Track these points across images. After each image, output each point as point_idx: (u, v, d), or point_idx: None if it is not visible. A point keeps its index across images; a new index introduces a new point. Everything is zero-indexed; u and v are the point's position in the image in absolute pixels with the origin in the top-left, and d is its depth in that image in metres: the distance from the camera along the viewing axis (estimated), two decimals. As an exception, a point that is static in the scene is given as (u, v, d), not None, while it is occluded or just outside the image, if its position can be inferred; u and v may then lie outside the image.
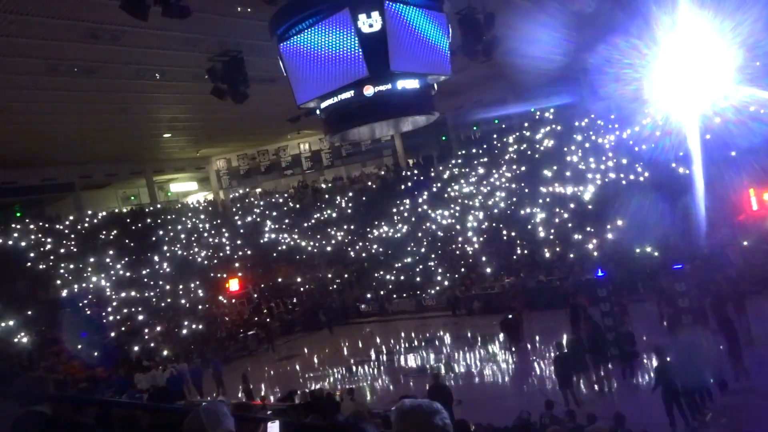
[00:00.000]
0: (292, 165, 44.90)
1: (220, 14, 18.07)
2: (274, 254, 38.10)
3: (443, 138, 43.53)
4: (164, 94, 24.81)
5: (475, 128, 43.52)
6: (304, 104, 11.69)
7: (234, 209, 43.46)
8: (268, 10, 15.17)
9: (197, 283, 32.44)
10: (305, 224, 39.96)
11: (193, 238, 37.02)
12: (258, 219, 41.32)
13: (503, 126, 40.67)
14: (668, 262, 17.99)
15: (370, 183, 43.25)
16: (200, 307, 31.22)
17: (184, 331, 28.41)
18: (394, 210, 37.88)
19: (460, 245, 32.28)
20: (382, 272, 33.59)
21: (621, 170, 29.20)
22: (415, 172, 42.15)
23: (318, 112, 11.73)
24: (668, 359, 11.35)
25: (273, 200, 43.85)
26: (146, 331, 27.61)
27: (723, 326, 12.90)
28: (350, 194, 42.31)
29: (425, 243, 34.00)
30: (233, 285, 33.26)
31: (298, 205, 42.70)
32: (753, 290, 17.12)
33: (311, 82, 11.10)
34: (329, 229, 38.82)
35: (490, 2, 15.81)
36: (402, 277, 32.32)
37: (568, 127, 35.13)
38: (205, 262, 35.49)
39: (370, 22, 10.01)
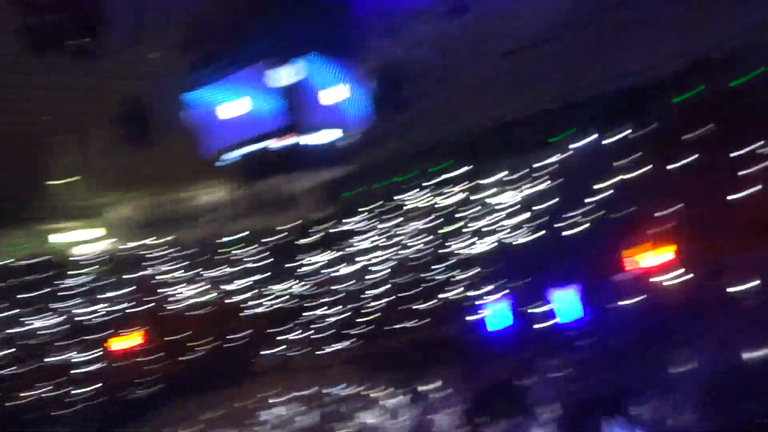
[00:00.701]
0: (201, 215, 43.61)
1: (128, 63, 17.83)
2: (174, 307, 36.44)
3: (362, 188, 43.91)
4: (66, 138, 23.74)
5: (392, 180, 44.23)
6: (218, 152, 11.68)
7: (133, 260, 41.28)
8: (181, 58, 15.17)
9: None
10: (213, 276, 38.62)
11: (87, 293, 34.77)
12: (159, 271, 39.50)
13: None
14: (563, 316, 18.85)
15: (276, 237, 42.67)
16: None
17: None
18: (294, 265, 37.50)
19: (365, 302, 32.27)
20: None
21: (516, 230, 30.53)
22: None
23: (231, 161, 11.76)
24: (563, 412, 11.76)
25: (177, 251, 42.11)
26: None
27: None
28: (256, 247, 41.48)
29: (330, 299, 33.77)
30: (130, 341, 31.32)
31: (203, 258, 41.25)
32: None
33: (225, 130, 11.16)
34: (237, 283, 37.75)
35: (406, 63, 16.64)
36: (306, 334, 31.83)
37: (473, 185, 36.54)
38: (101, 319, 33.30)
39: (287, 75, 10.28)
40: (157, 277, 38.10)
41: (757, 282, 19.88)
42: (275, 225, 44.01)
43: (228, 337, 34.55)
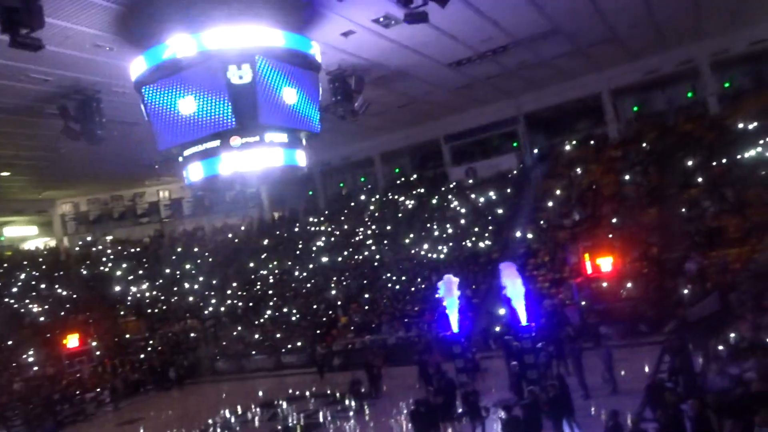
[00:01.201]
0: (149, 212, 42.61)
1: (78, 50, 16.91)
2: (122, 308, 35.44)
3: (310, 192, 43.77)
4: (5, 129, 22.61)
5: (341, 185, 44.29)
6: (167, 150, 11.28)
7: (79, 258, 39.99)
8: (133, 51, 14.64)
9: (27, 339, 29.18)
10: (159, 276, 37.77)
11: (27, 289, 33.45)
12: (107, 269, 38.37)
13: (368, 186, 41.78)
14: (515, 321, 19.12)
15: (231, 235, 42.06)
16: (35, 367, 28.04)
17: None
18: (254, 264, 37.04)
19: (322, 302, 32.10)
20: (240, 328, 32.44)
21: (474, 236, 30.96)
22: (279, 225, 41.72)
23: (181, 159, 11.38)
24: (514, 414, 11.93)
25: (125, 249, 41.03)
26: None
27: (559, 382, 13.88)
28: (211, 246, 40.82)
29: (287, 298, 33.47)
30: (71, 341, 30.17)
31: (152, 256, 40.29)
32: (588, 347, 18.65)
33: (175, 128, 10.79)
34: (185, 283, 36.97)
35: (360, 66, 16.55)
36: (257, 336, 31.40)
37: (430, 191, 36.86)
38: (41, 317, 32.02)
39: (240, 74, 10.01)
40: (107, 275, 37.12)
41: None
42: (226, 224, 43.54)
43: (177, 336, 33.86)
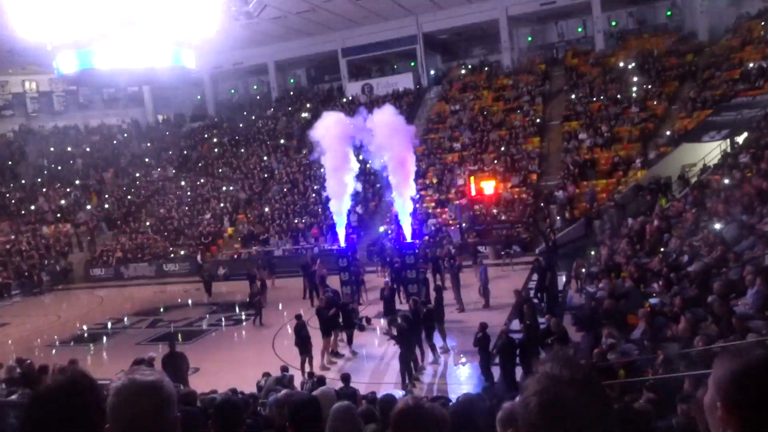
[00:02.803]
0: (14, 105, 38.58)
1: None
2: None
3: (198, 97, 41.55)
4: None
5: (233, 92, 42.35)
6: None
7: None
8: None
9: None
10: (25, 176, 34.83)
11: None
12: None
13: (260, 94, 40.28)
14: (399, 237, 19.81)
15: (110, 137, 39.36)
16: None
17: None
18: (135, 169, 35.11)
19: (209, 212, 31.28)
20: (115, 232, 31.06)
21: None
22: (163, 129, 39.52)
23: (49, 48, 10.28)
24: (400, 323, 12.54)
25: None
26: None
27: (437, 293, 14.78)
28: (86, 147, 37.99)
29: (171, 206, 32.26)
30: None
31: (17, 153, 36.88)
32: (467, 265, 19.81)
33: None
34: (57, 184, 34.42)
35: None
36: (137, 242, 30.21)
37: (325, 105, 36.22)
38: None
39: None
40: None
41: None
42: (103, 123, 40.41)
43: (47, 240, 31.83)
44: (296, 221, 28.42)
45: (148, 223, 31.41)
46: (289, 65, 39.24)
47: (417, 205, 24.22)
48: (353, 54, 36.55)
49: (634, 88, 27.75)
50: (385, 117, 16.34)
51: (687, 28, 31.37)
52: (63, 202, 33.59)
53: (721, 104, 23.35)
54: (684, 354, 8.05)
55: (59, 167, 35.82)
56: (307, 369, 12.80)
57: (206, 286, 22.77)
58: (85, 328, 20.89)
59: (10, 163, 35.78)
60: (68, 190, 34.31)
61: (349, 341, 14.60)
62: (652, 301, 10.78)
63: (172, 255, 28.86)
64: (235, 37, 30.80)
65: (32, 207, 33.30)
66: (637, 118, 26.24)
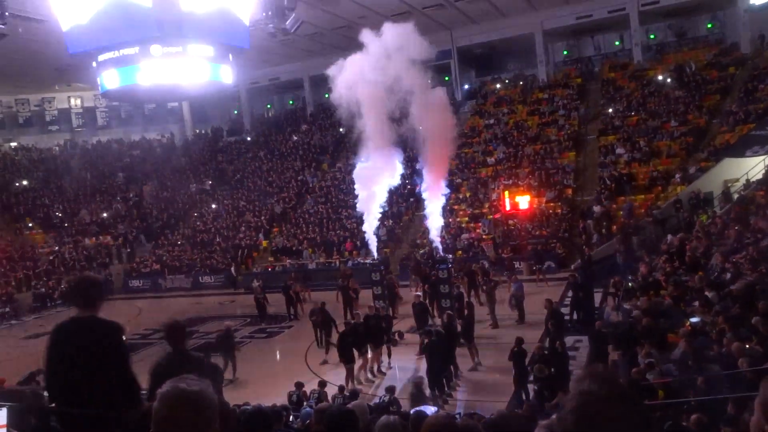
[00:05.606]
0: (60, 120, 39.91)
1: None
2: (29, 219, 33.66)
3: (235, 112, 42.33)
4: None
5: (269, 106, 43.01)
6: (78, 54, 10.48)
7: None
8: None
9: None
10: (69, 189, 35.93)
11: None
12: (7, 177, 36.07)
13: (295, 109, 40.80)
14: (433, 252, 19.74)
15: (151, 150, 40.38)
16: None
17: None
18: (174, 182, 35.88)
19: (244, 225, 31.71)
20: (156, 246, 31.72)
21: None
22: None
23: (94, 65, 10.63)
24: (433, 339, 12.46)
25: (32, 158, 38.56)
26: None
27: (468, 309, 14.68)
28: (127, 161, 39.05)
29: (207, 218, 32.85)
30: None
31: (62, 167, 38.13)
32: (501, 281, 19.57)
33: (89, 30, 9.98)
34: (99, 197, 35.43)
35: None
36: (174, 255, 30.78)
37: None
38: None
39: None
40: (9, 184, 34.85)
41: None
42: (144, 138, 41.52)
43: (89, 252, 32.65)
44: (330, 234, 28.57)
45: (184, 236, 31.99)
46: (324, 80, 39.68)
47: (450, 219, 24.12)
48: (387, 69, 36.74)
49: (673, 102, 27.23)
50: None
51: (729, 40, 30.70)
52: (105, 214, 34.49)
53: (765, 118, 22.71)
54: (727, 375, 7.79)
55: (101, 180, 36.86)
56: (349, 386, 12.61)
57: (260, 310, 20.76)
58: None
59: (55, 176, 36.99)
60: (110, 202, 35.24)
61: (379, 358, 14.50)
62: (693, 320, 10.47)
63: (208, 267, 29.29)
64: (272, 53, 31.45)
65: (75, 219, 34.29)
66: (676, 132, 25.71)
